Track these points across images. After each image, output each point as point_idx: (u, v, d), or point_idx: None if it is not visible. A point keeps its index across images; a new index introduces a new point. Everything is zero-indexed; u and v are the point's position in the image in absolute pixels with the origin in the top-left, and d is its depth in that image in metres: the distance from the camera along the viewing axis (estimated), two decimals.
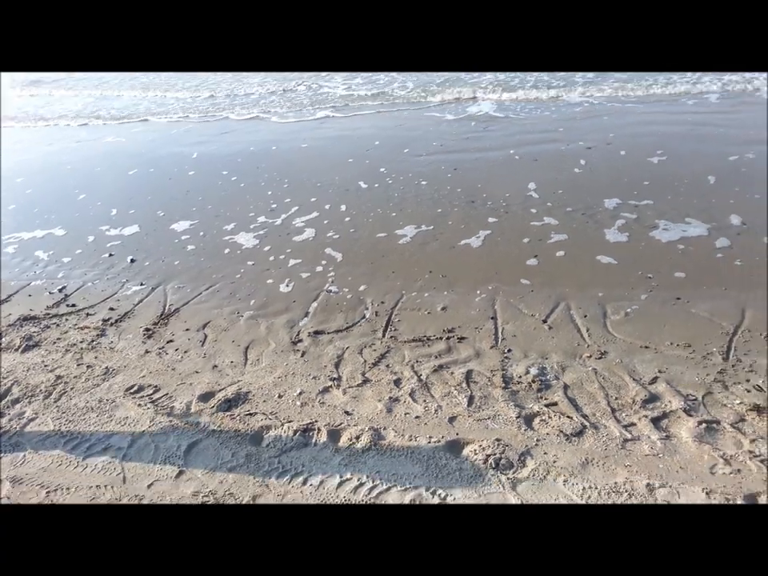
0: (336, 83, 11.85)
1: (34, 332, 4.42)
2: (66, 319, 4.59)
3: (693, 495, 2.56)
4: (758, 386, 3.18)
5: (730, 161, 6.04)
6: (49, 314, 4.68)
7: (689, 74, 9.22)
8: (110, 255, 5.65)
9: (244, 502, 2.74)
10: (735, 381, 3.23)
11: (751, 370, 3.30)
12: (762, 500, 2.52)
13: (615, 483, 2.65)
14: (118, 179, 7.75)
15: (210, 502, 2.75)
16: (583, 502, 2.58)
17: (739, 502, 2.51)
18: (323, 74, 12.44)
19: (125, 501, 2.83)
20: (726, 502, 2.51)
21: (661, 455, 2.78)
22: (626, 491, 2.60)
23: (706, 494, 2.56)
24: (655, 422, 2.99)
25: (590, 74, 9.96)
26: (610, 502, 2.56)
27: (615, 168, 6.23)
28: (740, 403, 3.06)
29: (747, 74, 8.84)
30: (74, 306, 4.79)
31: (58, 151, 9.36)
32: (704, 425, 2.94)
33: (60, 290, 5.05)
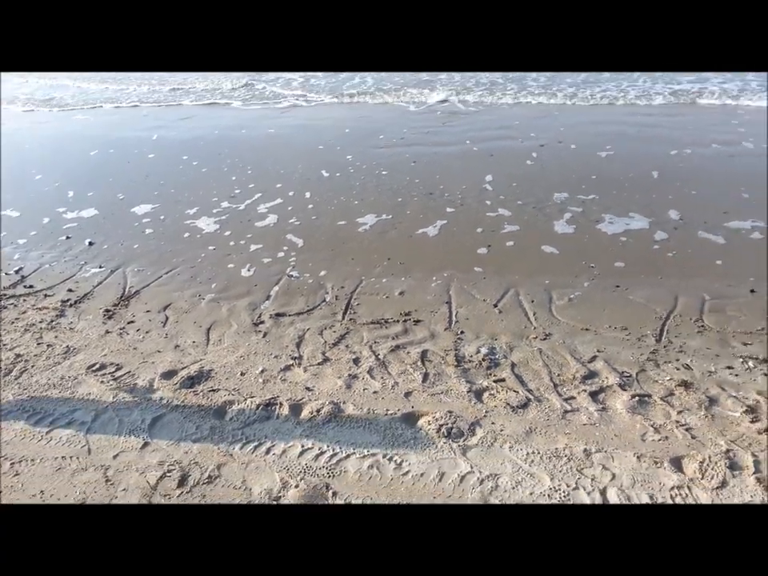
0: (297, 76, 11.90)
1: None
2: (24, 300, 4.58)
3: (625, 459, 2.82)
4: (687, 365, 3.48)
5: (671, 158, 6.44)
6: (5, 294, 4.66)
7: (640, 81, 9.61)
8: (68, 238, 5.61)
9: (208, 473, 2.85)
10: (666, 360, 3.53)
11: (681, 351, 3.60)
12: (685, 463, 2.80)
13: (556, 449, 2.89)
14: (73, 162, 7.64)
15: (176, 473, 2.86)
16: (542, 470, 2.81)
17: (666, 465, 2.78)
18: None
19: (91, 471, 2.90)
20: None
21: (597, 424, 3.05)
22: (566, 456, 2.85)
23: (637, 458, 2.82)
24: (593, 395, 3.25)
25: (543, 78, 10.26)
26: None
27: (565, 164, 6.54)
28: (670, 380, 3.36)
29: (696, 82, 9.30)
30: (31, 287, 4.78)
31: (10, 133, 9.12)
32: (637, 398, 3.22)
33: (16, 272, 5.02)
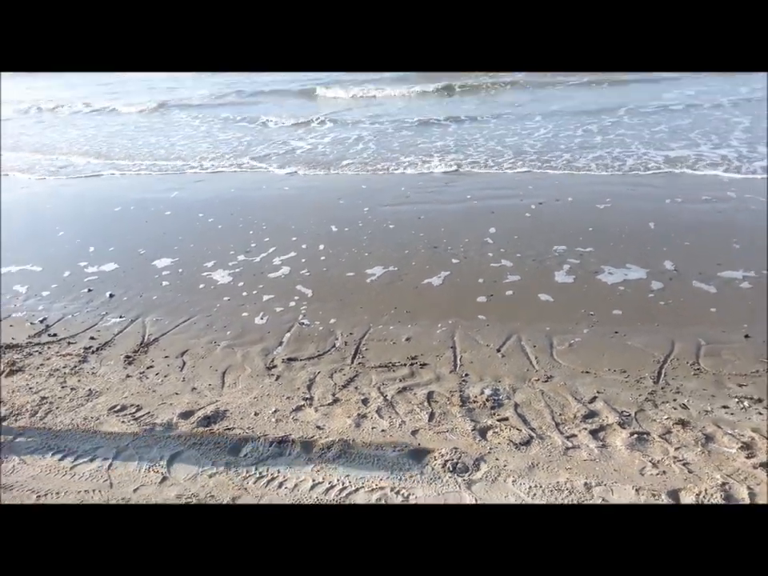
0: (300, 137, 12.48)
1: (17, 358, 4.61)
2: (48, 347, 4.80)
3: (624, 492, 2.93)
4: (684, 405, 3.62)
5: (665, 212, 6.73)
6: (31, 342, 4.88)
7: (632, 147, 9.97)
8: (89, 290, 5.88)
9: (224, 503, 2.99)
10: (664, 400, 3.67)
11: (678, 392, 3.75)
12: (683, 495, 2.91)
13: (557, 482, 3.01)
14: (94, 220, 8.03)
15: (193, 503, 3.00)
16: (543, 502, 2.92)
17: (663, 497, 2.89)
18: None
19: (112, 503, 3.04)
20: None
21: (597, 460, 3.17)
22: (567, 489, 2.96)
23: (636, 490, 2.94)
24: (593, 433, 3.39)
25: (539, 145, 10.67)
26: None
27: (562, 220, 6.84)
28: (667, 418, 3.49)
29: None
30: (55, 335, 5.01)
31: (27, 197, 9.61)
32: (636, 435, 3.35)
33: (41, 321, 5.26)
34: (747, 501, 2.83)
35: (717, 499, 2.84)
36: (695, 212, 6.85)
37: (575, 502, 2.88)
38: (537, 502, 2.90)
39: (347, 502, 2.96)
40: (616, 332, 4.49)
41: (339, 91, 18.00)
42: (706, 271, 5.31)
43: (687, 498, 2.87)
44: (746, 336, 4.30)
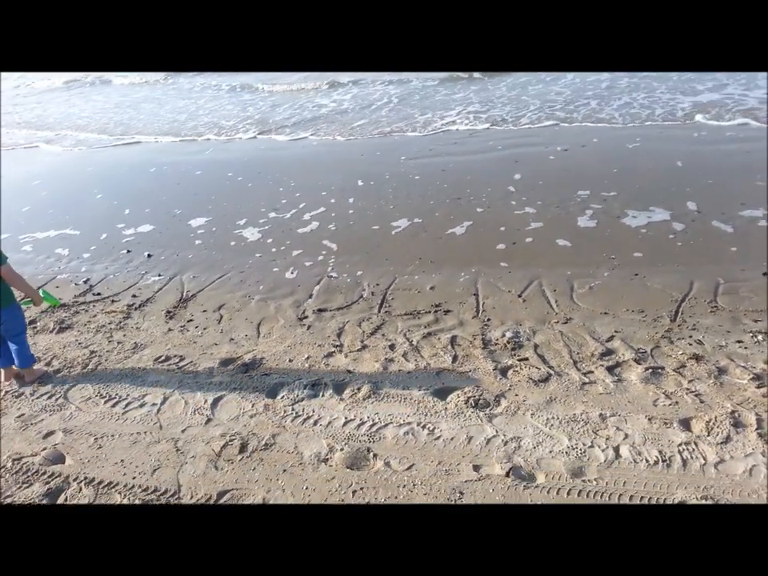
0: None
1: (65, 317, 4.94)
2: (93, 305, 5.12)
3: (637, 421, 3.11)
4: (699, 341, 3.74)
5: (691, 154, 6.67)
6: (77, 301, 5.21)
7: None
8: (128, 251, 6.18)
9: (265, 441, 3.25)
10: (680, 337, 3.80)
11: (694, 329, 3.86)
12: (693, 423, 3.07)
13: (573, 414, 3.20)
14: (129, 184, 8.31)
15: (237, 442, 3.27)
16: (551, 430, 3.12)
17: (675, 425, 3.05)
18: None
19: (163, 443, 3.34)
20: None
21: (612, 393, 3.34)
22: (583, 420, 3.15)
23: (648, 419, 3.11)
24: (610, 369, 3.55)
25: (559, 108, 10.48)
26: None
27: (588, 166, 6.84)
28: (682, 354, 3.62)
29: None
30: (99, 294, 5.32)
31: (58, 165, 9.91)
32: (650, 370, 3.50)
33: (85, 282, 5.57)
34: (754, 426, 2.98)
35: (726, 426, 3.00)
36: (722, 153, 6.76)
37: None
38: (554, 432, 3.09)
39: (376, 436, 3.21)
40: (636, 274, 4.58)
41: None
42: (728, 211, 5.32)
43: (698, 426, 3.03)
44: (765, 273, 4.35)
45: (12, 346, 3.93)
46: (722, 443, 2.91)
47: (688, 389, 3.32)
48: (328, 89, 12.92)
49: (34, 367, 4.08)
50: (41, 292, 4.07)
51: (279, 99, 12.76)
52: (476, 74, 12.29)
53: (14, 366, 4.03)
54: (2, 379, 4.06)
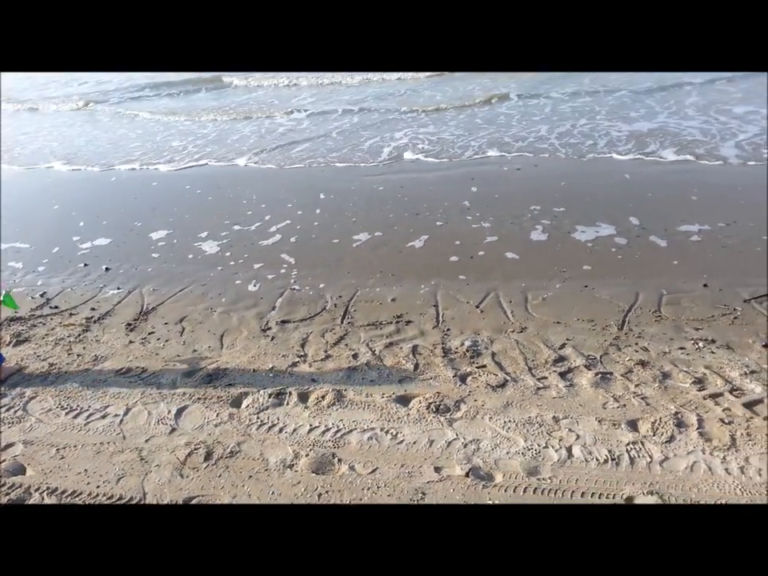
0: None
1: (22, 330, 4.86)
2: (51, 319, 5.05)
3: (588, 423, 3.29)
4: (644, 348, 3.98)
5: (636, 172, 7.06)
6: (34, 314, 5.12)
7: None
8: (85, 265, 6.10)
9: (230, 449, 3.29)
10: (627, 344, 4.03)
11: (640, 336, 4.10)
12: (640, 424, 3.27)
13: (529, 417, 3.37)
14: (83, 200, 8.19)
15: (202, 450, 3.30)
16: (508, 432, 3.27)
17: (623, 425, 3.25)
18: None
19: (127, 452, 3.34)
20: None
21: (565, 397, 3.53)
22: (537, 422, 3.32)
23: (598, 421, 3.30)
24: (562, 375, 3.74)
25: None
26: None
27: (539, 185, 7.14)
28: (629, 360, 3.85)
29: None
30: (56, 307, 5.25)
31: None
32: (600, 375, 3.71)
33: (41, 295, 5.48)
34: (695, 426, 3.20)
35: (670, 426, 3.22)
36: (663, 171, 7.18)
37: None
38: (511, 434, 3.25)
39: (340, 442, 3.29)
40: (585, 286, 4.83)
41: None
42: (670, 227, 5.66)
43: (644, 427, 3.24)
44: (705, 285, 4.65)
45: None
46: (666, 442, 3.11)
47: (635, 392, 3.53)
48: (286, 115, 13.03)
49: (4, 365, 4.04)
50: (3, 294, 4.01)
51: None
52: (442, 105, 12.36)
53: None
54: None
